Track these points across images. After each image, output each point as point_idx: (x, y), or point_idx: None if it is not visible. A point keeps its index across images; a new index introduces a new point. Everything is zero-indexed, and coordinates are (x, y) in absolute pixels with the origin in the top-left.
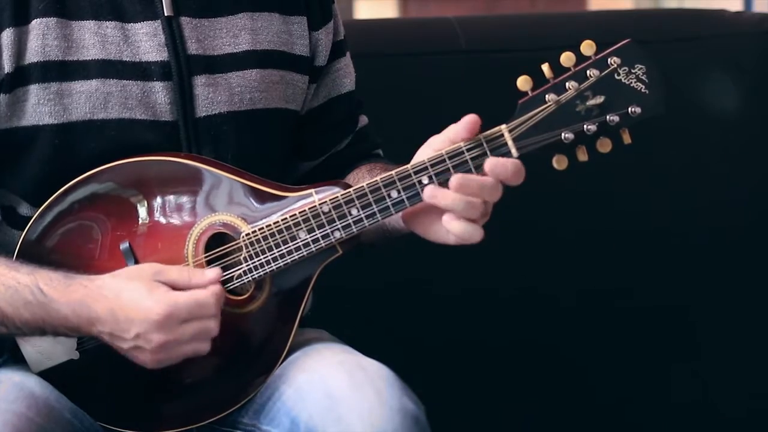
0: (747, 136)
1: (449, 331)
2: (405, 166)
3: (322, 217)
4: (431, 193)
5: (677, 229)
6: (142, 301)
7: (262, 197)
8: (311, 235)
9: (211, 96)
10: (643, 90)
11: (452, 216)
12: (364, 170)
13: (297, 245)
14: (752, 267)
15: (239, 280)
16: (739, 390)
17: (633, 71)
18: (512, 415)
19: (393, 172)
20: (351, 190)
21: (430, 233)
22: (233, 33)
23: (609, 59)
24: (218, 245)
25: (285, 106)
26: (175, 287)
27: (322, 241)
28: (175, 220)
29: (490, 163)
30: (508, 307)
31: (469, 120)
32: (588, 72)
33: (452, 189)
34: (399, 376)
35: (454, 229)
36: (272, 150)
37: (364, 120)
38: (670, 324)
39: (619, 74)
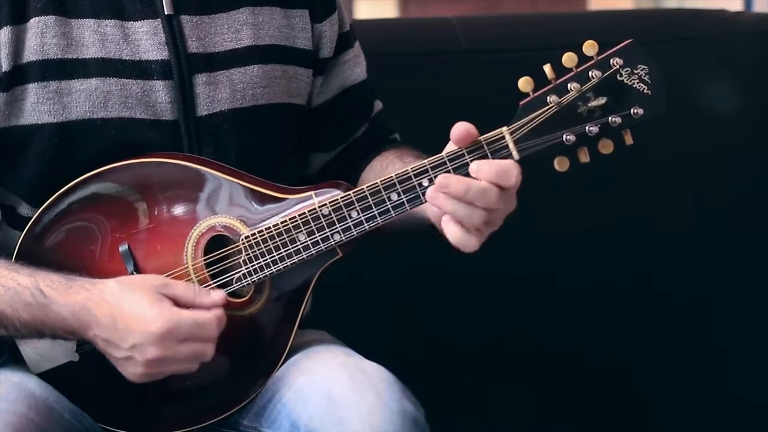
0: (747, 136)
1: (449, 332)
2: (405, 168)
3: (322, 219)
4: (432, 195)
5: (676, 228)
6: (144, 312)
7: (262, 199)
8: (311, 237)
9: (212, 94)
10: (645, 91)
11: (450, 218)
12: (391, 156)
13: (297, 248)
14: (751, 263)
15: (239, 283)
16: (749, 387)
17: (635, 72)
18: (514, 418)
19: (393, 174)
20: (351, 192)
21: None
22: (235, 28)
23: (611, 60)
24: (218, 248)
25: (288, 101)
26: (178, 302)
27: (321, 244)
28: (175, 222)
29: (475, 165)
30: (509, 308)
31: (460, 131)
32: (590, 73)
33: (438, 188)
34: (399, 379)
35: (448, 232)
36: (275, 146)
37: (378, 106)
38: (672, 322)
39: (621, 75)
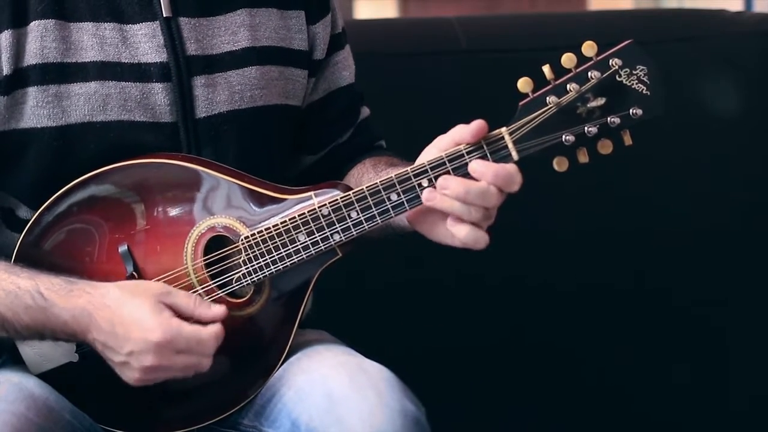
0: (747, 136)
1: (450, 332)
2: (405, 169)
3: (322, 220)
4: (428, 196)
5: (676, 228)
6: (144, 320)
7: (261, 200)
8: (311, 238)
9: (211, 96)
10: (644, 91)
11: (456, 219)
12: (368, 164)
13: (296, 248)
14: (751, 263)
15: (238, 283)
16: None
17: (634, 72)
18: (514, 418)
19: (393, 174)
20: (350, 192)
21: (434, 234)
22: (232, 30)
23: (610, 60)
24: (217, 248)
25: (285, 102)
26: (178, 312)
27: (321, 244)
28: (174, 223)
29: (476, 165)
30: (510, 308)
31: (476, 126)
32: (589, 74)
33: (438, 190)
34: (400, 378)
35: (458, 233)
36: (273, 147)
37: (365, 112)
38: (672, 322)
39: (620, 76)
